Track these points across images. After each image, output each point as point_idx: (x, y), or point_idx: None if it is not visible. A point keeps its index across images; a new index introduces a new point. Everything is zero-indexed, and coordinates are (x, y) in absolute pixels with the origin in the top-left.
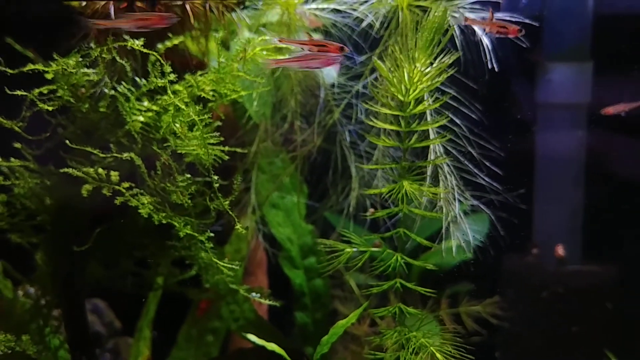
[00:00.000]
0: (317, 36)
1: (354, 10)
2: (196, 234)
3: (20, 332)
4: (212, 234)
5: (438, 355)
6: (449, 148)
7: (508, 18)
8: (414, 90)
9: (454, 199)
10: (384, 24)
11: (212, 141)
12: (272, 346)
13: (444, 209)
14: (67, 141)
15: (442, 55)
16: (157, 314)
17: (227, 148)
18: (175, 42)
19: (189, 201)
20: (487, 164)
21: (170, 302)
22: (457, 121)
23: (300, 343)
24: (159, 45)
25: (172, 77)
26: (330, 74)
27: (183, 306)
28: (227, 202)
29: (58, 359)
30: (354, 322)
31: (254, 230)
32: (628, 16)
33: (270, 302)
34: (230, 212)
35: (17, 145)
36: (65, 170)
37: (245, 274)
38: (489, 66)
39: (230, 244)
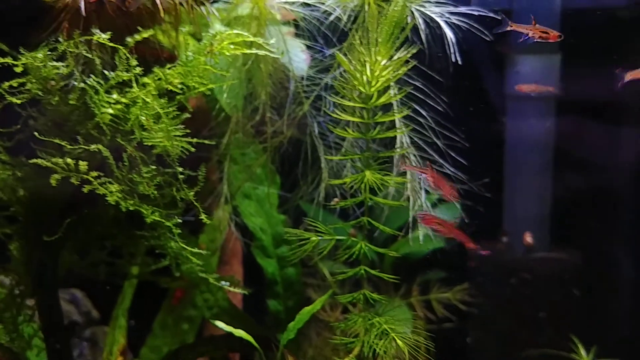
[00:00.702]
0: (287, 29)
1: (322, 3)
2: (163, 220)
3: None
4: (179, 221)
5: (399, 341)
6: (415, 139)
7: (477, 12)
8: (376, 83)
9: (420, 189)
10: (351, 18)
11: (177, 133)
12: (239, 332)
13: (412, 199)
14: (38, 133)
15: (403, 48)
16: (134, 303)
17: (194, 140)
18: (145, 35)
19: (155, 192)
20: (459, 156)
21: (146, 292)
22: (424, 113)
23: (273, 330)
24: (128, 39)
25: (138, 70)
26: (300, 66)
27: (159, 295)
28: (192, 193)
29: (32, 347)
30: (324, 309)
31: (228, 220)
32: (594, 9)
33: (240, 290)
34: (195, 203)
35: None
36: (36, 161)
37: (220, 263)
38: (454, 59)
39: (206, 233)
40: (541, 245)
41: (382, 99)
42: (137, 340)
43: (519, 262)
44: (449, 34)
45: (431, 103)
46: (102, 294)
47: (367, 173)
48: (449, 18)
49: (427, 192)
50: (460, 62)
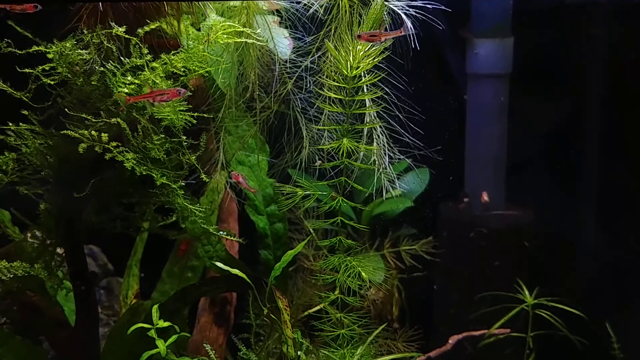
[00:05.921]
0: (272, 18)
1: None
2: (170, 183)
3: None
4: (183, 184)
5: (363, 274)
6: (385, 113)
7: (431, 6)
8: (357, 68)
9: (385, 154)
10: (327, 10)
11: (181, 108)
12: (235, 271)
13: (384, 164)
14: (66, 109)
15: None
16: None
17: (196, 114)
18: (152, 26)
19: (164, 156)
20: (422, 128)
21: (155, 246)
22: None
23: (264, 275)
24: (139, 30)
25: (149, 57)
26: (284, 51)
27: (166, 252)
28: (194, 157)
29: (63, 288)
30: (308, 258)
31: (225, 183)
32: None
33: (235, 239)
34: (197, 165)
35: (25, 112)
36: (66, 132)
37: (218, 221)
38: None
39: (206, 196)
40: (497, 204)
41: (363, 80)
42: (147, 288)
43: (477, 218)
44: (408, 23)
45: (398, 84)
46: (115, 249)
47: (345, 140)
48: (408, 10)
49: (390, 158)
50: (420, 48)
